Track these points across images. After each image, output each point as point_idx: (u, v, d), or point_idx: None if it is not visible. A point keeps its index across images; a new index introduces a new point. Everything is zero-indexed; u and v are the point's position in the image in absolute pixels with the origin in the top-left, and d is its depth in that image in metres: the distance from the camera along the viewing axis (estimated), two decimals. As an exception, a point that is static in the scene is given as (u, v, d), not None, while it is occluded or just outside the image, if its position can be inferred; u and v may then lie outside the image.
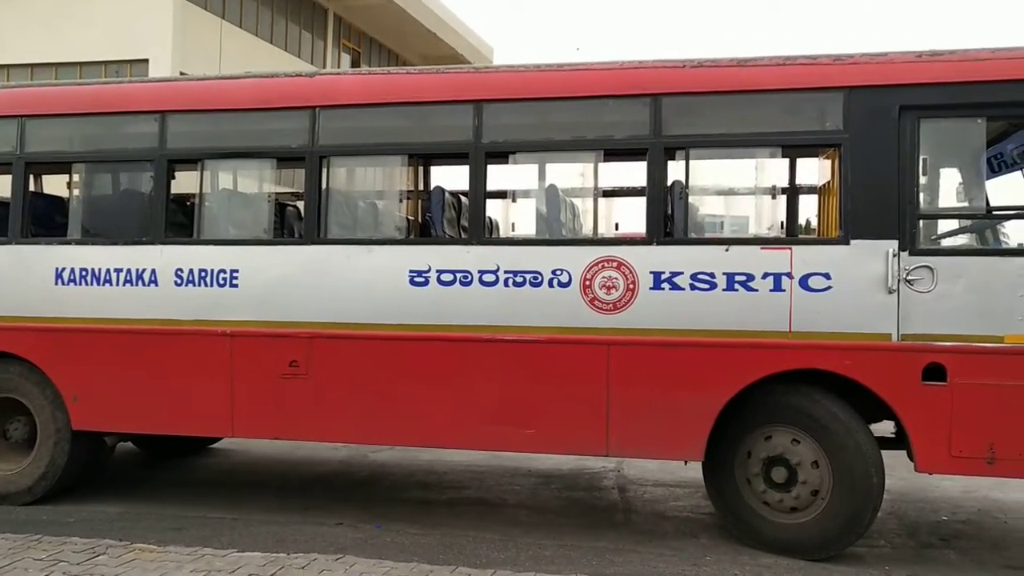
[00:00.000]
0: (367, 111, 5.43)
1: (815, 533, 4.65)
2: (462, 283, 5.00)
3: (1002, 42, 5.12)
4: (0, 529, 4.85)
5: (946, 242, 5.07)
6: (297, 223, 6.30)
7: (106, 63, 18.80)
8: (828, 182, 5.41)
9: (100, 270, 5.50)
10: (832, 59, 4.79)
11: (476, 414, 5.01)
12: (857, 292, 4.56)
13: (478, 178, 5.11)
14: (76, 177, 6.18)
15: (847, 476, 4.58)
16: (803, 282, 4.61)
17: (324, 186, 5.34)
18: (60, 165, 6.21)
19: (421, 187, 6.57)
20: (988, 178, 4.97)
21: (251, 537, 4.84)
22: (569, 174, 5.64)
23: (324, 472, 6.86)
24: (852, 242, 4.59)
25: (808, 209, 6.24)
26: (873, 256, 4.54)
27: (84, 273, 5.53)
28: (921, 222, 4.64)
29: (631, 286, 4.79)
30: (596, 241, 5.14)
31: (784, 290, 4.63)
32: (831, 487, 4.62)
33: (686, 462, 5.19)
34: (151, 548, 4.46)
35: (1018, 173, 5.06)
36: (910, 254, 4.52)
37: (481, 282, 4.97)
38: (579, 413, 4.87)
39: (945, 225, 5.21)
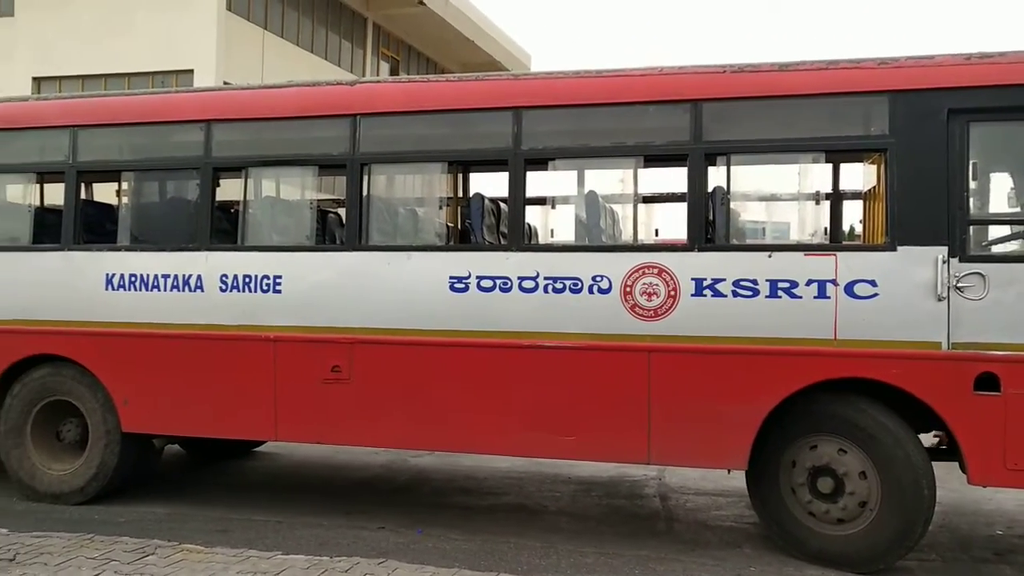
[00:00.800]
0: (407, 119, 5.48)
1: (863, 546, 4.56)
2: (502, 289, 5.01)
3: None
4: (55, 527, 4.99)
5: (998, 248, 4.94)
6: (338, 230, 6.38)
7: (153, 74, 19.25)
8: (873, 187, 5.32)
9: (148, 276, 5.63)
10: (877, 63, 4.71)
11: (516, 420, 5.01)
12: (905, 299, 4.47)
13: (517, 185, 5.12)
14: (125, 185, 6.33)
15: (896, 487, 4.48)
16: (848, 289, 4.53)
17: (365, 193, 5.40)
18: (109, 173, 6.38)
19: (461, 194, 6.61)
20: (1042, 182, 4.83)
21: (295, 540, 4.91)
22: (609, 180, 5.62)
23: (366, 476, 6.92)
24: (899, 248, 4.51)
25: (852, 215, 6.14)
26: (921, 263, 4.45)
27: (133, 279, 5.66)
28: (971, 228, 4.53)
29: (672, 293, 4.75)
30: (636, 247, 5.11)
31: (829, 297, 4.55)
32: (880, 498, 4.52)
33: (729, 471, 5.13)
34: (198, 549, 4.55)
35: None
36: (960, 260, 4.41)
37: (521, 288, 4.98)
38: (620, 420, 4.84)
39: (996, 231, 5.07)
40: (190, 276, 5.54)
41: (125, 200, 6.32)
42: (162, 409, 5.62)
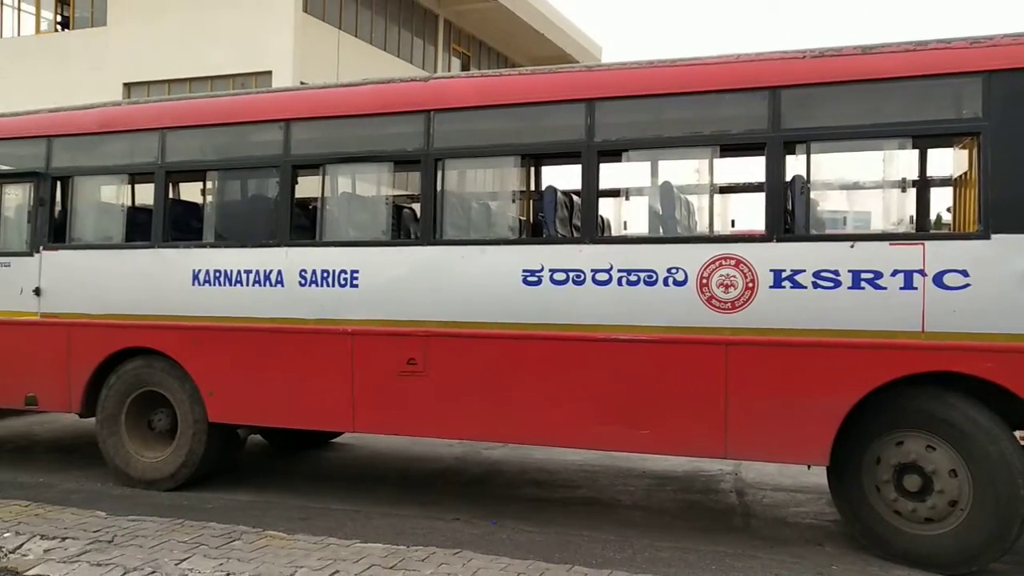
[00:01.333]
0: (479, 113, 5.51)
1: (953, 547, 4.37)
2: (575, 282, 5.00)
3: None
4: (148, 512, 5.23)
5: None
6: (413, 224, 6.46)
7: (233, 76, 19.88)
8: (964, 173, 5.07)
9: (231, 271, 5.82)
10: (969, 42, 4.49)
11: (590, 413, 4.99)
12: (999, 290, 4.26)
13: (590, 177, 5.09)
14: (209, 184, 6.57)
15: (990, 487, 4.28)
16: (937, 279, 4.35)
17: (439, 188, 5.46)
18: (195, 173, 6.63)
19: (533, 187, 6.61)
20: None
21: (372, 529, 5.01)
22: (683, 170, 5.53)
23: (440, 468, 7.02)
24: (993, 236, 4.30)
25: (941, 203, 5.88)
26: (1018, 251, 4.23)
27: (217, 274, 5.86)
28: (1072, 214, 4.28)
29: (750, 284, 4.65)
30: (713, 238, 5.02)
31: (916, 288, 4.38)
32: (971, 498, 4.33)
33: (809, 467, 4.99)
34: (281, 536, 4.69)
35: None
36: (1059, 249, 4.18)
37: (594, 281, 4.95)
38: (696, 414, 4.77)
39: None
40: (271, 271, 5.71)
41: (210, 199, 6.56)
42: (245, 400, 5.82)
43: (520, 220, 6.16)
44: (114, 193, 6.77)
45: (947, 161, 5.64)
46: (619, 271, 4.91)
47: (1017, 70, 4.33)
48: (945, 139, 5.32)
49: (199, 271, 5.90)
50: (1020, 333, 4.22)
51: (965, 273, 4.32)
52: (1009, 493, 4.25)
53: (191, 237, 6.27)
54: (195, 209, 6.71)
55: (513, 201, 6.02)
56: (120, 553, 4.35)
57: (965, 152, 5.04)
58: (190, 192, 7.18)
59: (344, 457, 7.52)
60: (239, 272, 5.81)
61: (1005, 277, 4.26)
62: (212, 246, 6.01)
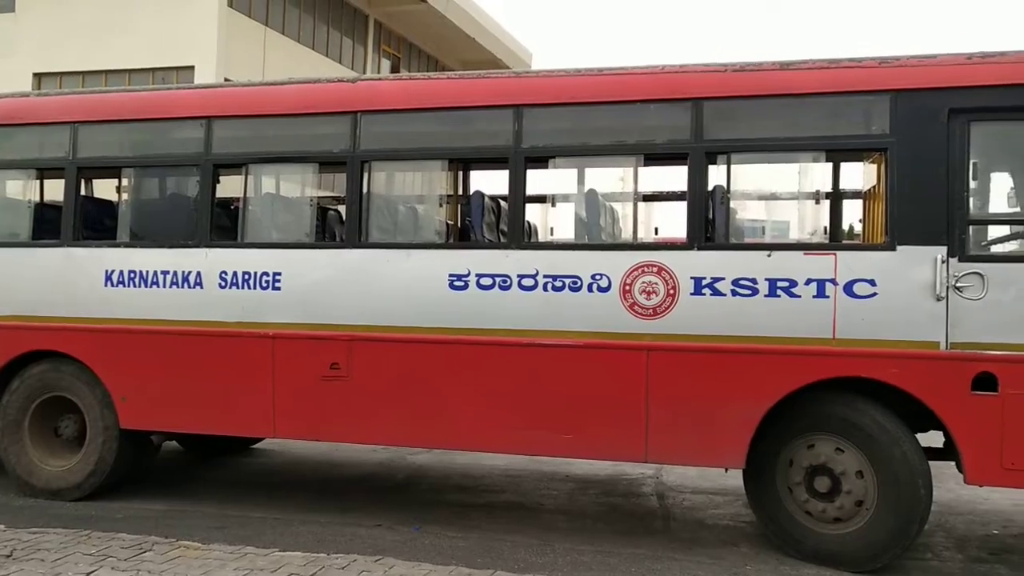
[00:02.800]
0: (408, 116, 5.48)
1: (859, 545, 4.56)
2: (501, 287, 5.01)
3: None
4: (51, 524, 4.99)
5: (997, 248, 4.94)
6: (338, 227, 6.38)
7: (153, 70, 19.24)
8: (874, 187, 5.31)
9: (147, 272, 5.62)
10: (878, 62, 4.71)
11: (514, 418, 5.01)
12: (904, 299, 4.47)
13: (517, 182, 5.12)
14: (125, 181, 6.33)
15: (893, 487, 4.48)
16: (848, 288, 4.53)
17: (365, 190, 5.40)
18: (109, 170, 6.37)
19: (461, 191, 6.60)
20: (1042, 183, 4.83)
21: (292, 536, 4.91)
22: (609, 178, 5.64)
23: (363, 474, 6.93)
24: (899, 248, 4.50)
25: (852, 214, 6.13)
26: (921, 262, 4.45)
27: (132, 275, 5.65)
28: (971, 228, 4.53)
29: (671, 291, 4.75)
30: (636, 246, 5.11)
31: (828, 296, 4.55)
32: (876, 498, 4.53)
33: (727, 469, 5.13)
34: (195, 546, 4.55)
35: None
36: (959, 260, 4.41)
37: (520, 286, 4.98)
38: (617, 419, 4.84)
39: (996, 231, 5.07)
40: (190, 273, 5.54)
41: (125, 197, 6.31)
42: (160, 406, 5.62)
43: (447, 224, 6.14)
44: (20, 189, 6.45)
45: (858, 175, 5.89)
46: (545, 277, 4.95)
47: (921, 90, 4.56)
48: (856, 154, 5.56)
49: (112, 271, 5.68)
50: (922, 340, 4.44)
51: (873, 283, 4.51)
52: (910, 493, 4.46)
53: (104, 236, 6.02)
54: (109, 207, 6.45)
55: (440, 205, 6.00)
56: (19, 568, 4.13)
57: (874, 167, 5.27)
58: (104, 189, 6.90)
59: (264, 463, 7.34)
60: (155, 273, 5.61)
61: (909, 287, 4.47)
62: (127, 246, 5.78)
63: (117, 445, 5.70)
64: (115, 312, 5.65)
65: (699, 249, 4.79)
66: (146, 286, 5.62)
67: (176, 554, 4.40)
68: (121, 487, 5.93)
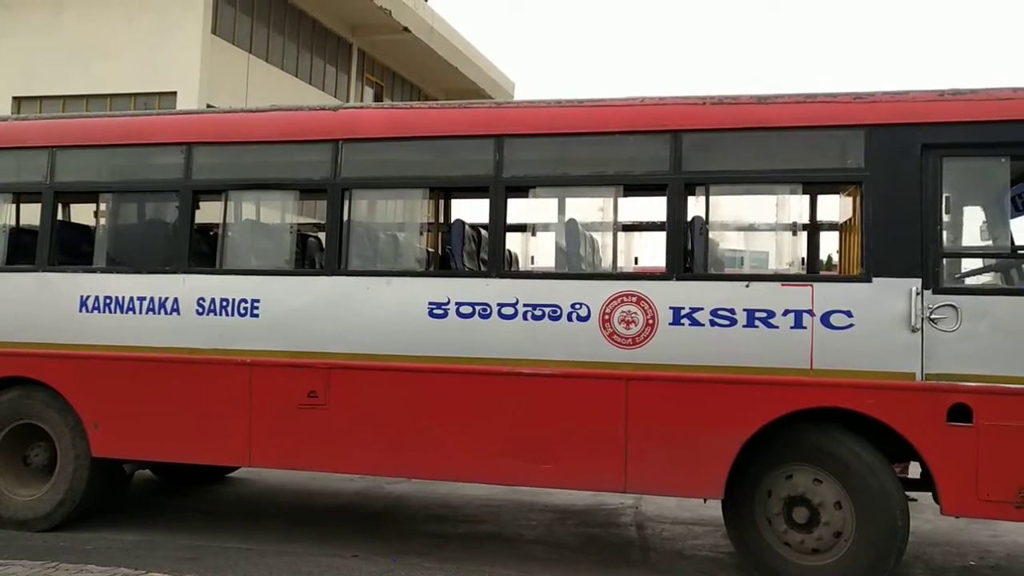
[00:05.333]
0: (389, 144, 5.50)
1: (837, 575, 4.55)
2: (481, 316, 5.01)
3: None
4: (18, 555, 4.87)
5: (970, 281, 5.01)
6: (318, 254, 6.34)
7: (135, 95, 19.18)
8: (850, 219, 5.39)
9: (124, 298, 5.56)
10: (853, 97, 4.80)
11: (493, 448, 4.98)
12: (880, 330, 4.51)
13: (498, 212, 5.14)
14: (103, 206, 6.28)
15: (871, 518, 4.49)
16: (825, 319, 4.57)
17: (346, 218, 5.39)
18: (87, 195, 6.32)
19: (441, 220, 6.62)
20: (1012, 217, 4.92)
21: (266, 568, 4.83)
22: (589, 208, 5.66)
23: (340, 503, 6.83)
24: (875, 280, 4.56)
25: (829, 246, 6.22)
26: (896, 294, 4.50)
27: (108, 301, 5.59)
28: (945, 260, 4.60)
29: (651, 321, 4.77)
30: (615, 276, 5.14)
31: (805, 327, 4.59)
32: (854, 529, 4.53)
33: (705, 500, 5.11)
34: (166, 578, 4.45)
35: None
36: (934, 292, 4.47)
37: (500, 315, 4.98)
38: (597, 448, 4.83)
39: (969, 264, 5.15)
40: (167, 299, 5.49)
41: (103, 222, 6.26)
42: (134, 434, 5.53)
43: (427, 253, 6.14)
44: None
45: (834, 207, 5.97)
46: (524, 305, 4.95)
47: (895, 125, 4.65)
48: (832, 187, 5.64)
49: (87, 297, 5.61)
50: (898, 371, 4.48)
51: (849, 314, 4.56)
52: (887, 524, 4.47)
53: (80, 261, 5.96)
54: (86, 232, 6.39)
55: (421, 233, 6.00)
56: (-16, 600, 4.03)
57: (850, 199, 5.35)
58: (81, 215, 6.84)
59: (239, 492, 7.23)
60: (132, 299, 5.56)
61: (885, 318, 4.52)
62: (103, 271, 5.73)
63: (88, 474, 5.59)
64: (89, 338, 5.58)
65: (678, 279, 4.82)
66: (122, 312, 5.55)
67: (146, 586, 4.30)
68: (92, 517, 5.80)
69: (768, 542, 4.72)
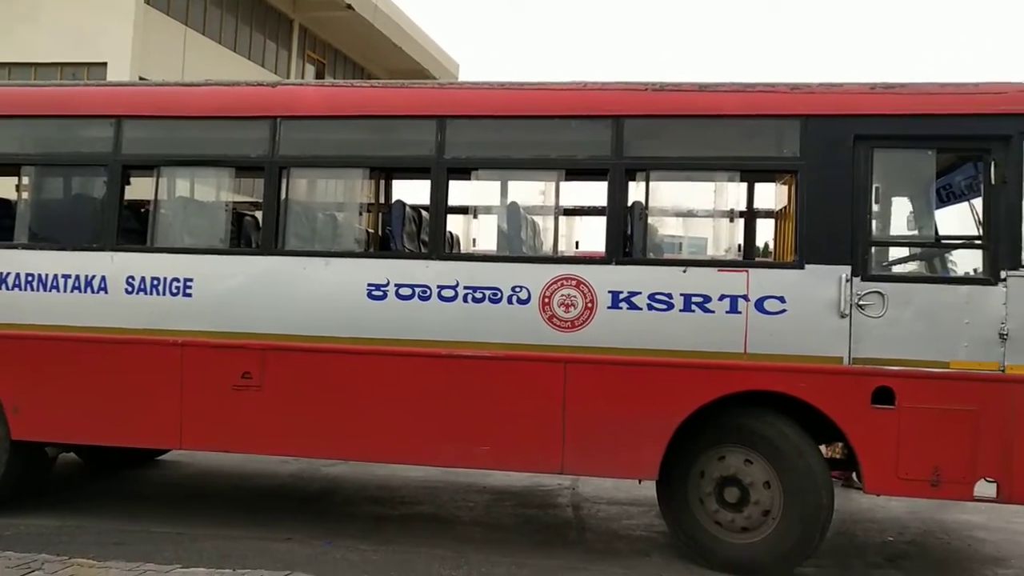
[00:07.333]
0: (329, 123, 5.40)
1: (765, 553, 4.69)
2: (421, 298, 4.97)
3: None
4: (-69, 543, 4.67)
5: (897, 269, 5.19)
6: (254, 233, 6.19)
7: (62, 65, 18.38)
8: (784, 207, 5.52)
9: (47, 276, 5.35)
10: (790, 88, 4.90)
11: (431, 429, 4.97)
12: (811, 316, 4.64)
13: (439, 193, 5.11)
14: (25, 180, 6.01)
15: (798, 497, 4.63)
16: (759, 305, 4.68)
17: (283, 197, 5.29)
18: (9, 167, 6.04)
19: (382, 200, 6.53)
20: (937, 208, 5.12)
21: (196, 552, 4.73)
22: (530, 192, 5.66)
23: (275, 485, 6.74)
24: (807, 266, 4.68)
25: (765, 233, 6.36)
26: (827, 281, 4.63)
27: (30, 279, 5.37)
28: (873, 249, 4.76)
29: (589, 304, 4.81)
30: (556, 259, 5.15)
31: (740, 312, 4.69)
32: (782, 507, 4.67)
33: (641, 481, 5.21)
34: (90, 563, 4.33)
35: (965, 204, 5.22)
36: (862, 280, 4.61)
37: (440, 297, 4.95)
38: (534, 430, 4.86)
39: (896, 252, 5.34)
40: (93, 277, 5.30)
41: (25, 196, 6.00)
42: (57, 416, 5.33)
43: (367, 233, 6.07)
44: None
45: (770, 195, 6.11)
46: (465, 288, 4.93)
47: (829, 116, 4.77)
48: (769, 175, 5.77)
49: (7, 274, 5.37)
50: (827, 355, 4.62)
51: (782, 299, 4.67)
52: (813, 502, 4.62)
53: (0, 237, 5.70)
54: (6, 206, 6.11)
55: (360, 213, 5.92)
56: None
57: (786, 188, 5.48)
58: (2, 188, 6.54)
59: (170, 475, 7.06)
60: (56, 276, 5.34)
61: (815, 303, 4.64)
62: (25, 247, 5.49)
63: (7, 458, 5.38)
64: (9, 317, 5.35)
65: (617, 264, 4.87)
66: (45, 290, 5.34)
67: (69, 572, 4.18)
68: (12, 503, 5.59)
69: (700, 521, 4.82)
